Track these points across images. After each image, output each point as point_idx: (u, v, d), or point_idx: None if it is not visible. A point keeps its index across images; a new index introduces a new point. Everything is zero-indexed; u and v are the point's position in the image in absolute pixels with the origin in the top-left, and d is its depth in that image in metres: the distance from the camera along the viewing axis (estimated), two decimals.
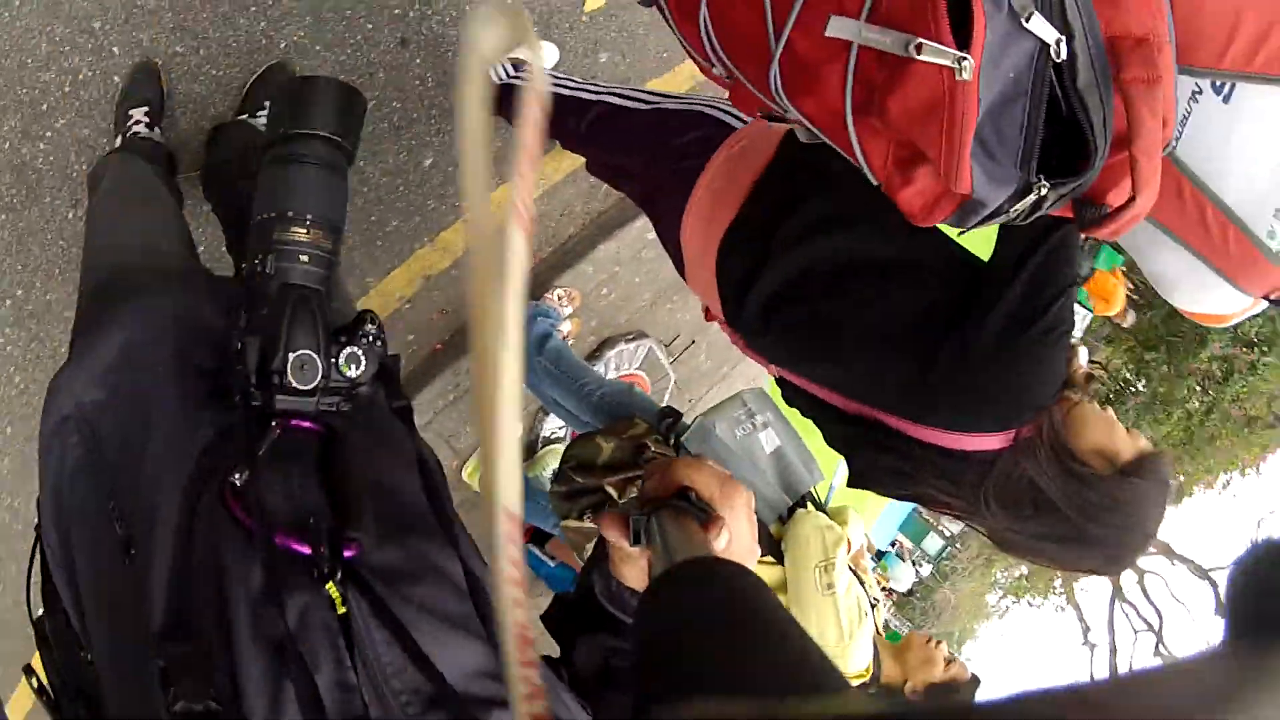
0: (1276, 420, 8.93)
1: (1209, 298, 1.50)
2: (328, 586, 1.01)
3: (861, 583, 2.51)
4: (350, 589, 1.02)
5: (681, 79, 3.83)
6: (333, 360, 1.29)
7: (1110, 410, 1.69)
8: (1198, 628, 16.84)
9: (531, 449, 4.09)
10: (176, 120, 2.34)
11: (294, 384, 1.23)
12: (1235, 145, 1.29)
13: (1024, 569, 22.02)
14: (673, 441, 2.83)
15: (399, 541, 1.13)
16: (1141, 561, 16.03)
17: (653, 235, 3.91)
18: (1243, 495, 13.67)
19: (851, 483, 1.89)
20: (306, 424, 1.24)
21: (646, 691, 0.76)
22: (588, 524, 2.68)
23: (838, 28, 1.11)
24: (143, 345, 1.27)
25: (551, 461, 3.99)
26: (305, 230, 1.42)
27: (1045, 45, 1.05)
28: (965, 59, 1.01)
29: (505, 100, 2.73)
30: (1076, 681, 0.34)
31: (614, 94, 2.37)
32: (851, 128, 1.18)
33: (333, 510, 1.11)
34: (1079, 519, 1.60)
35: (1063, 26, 1.05)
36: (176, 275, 1.56)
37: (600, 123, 2.34)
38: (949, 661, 2.47)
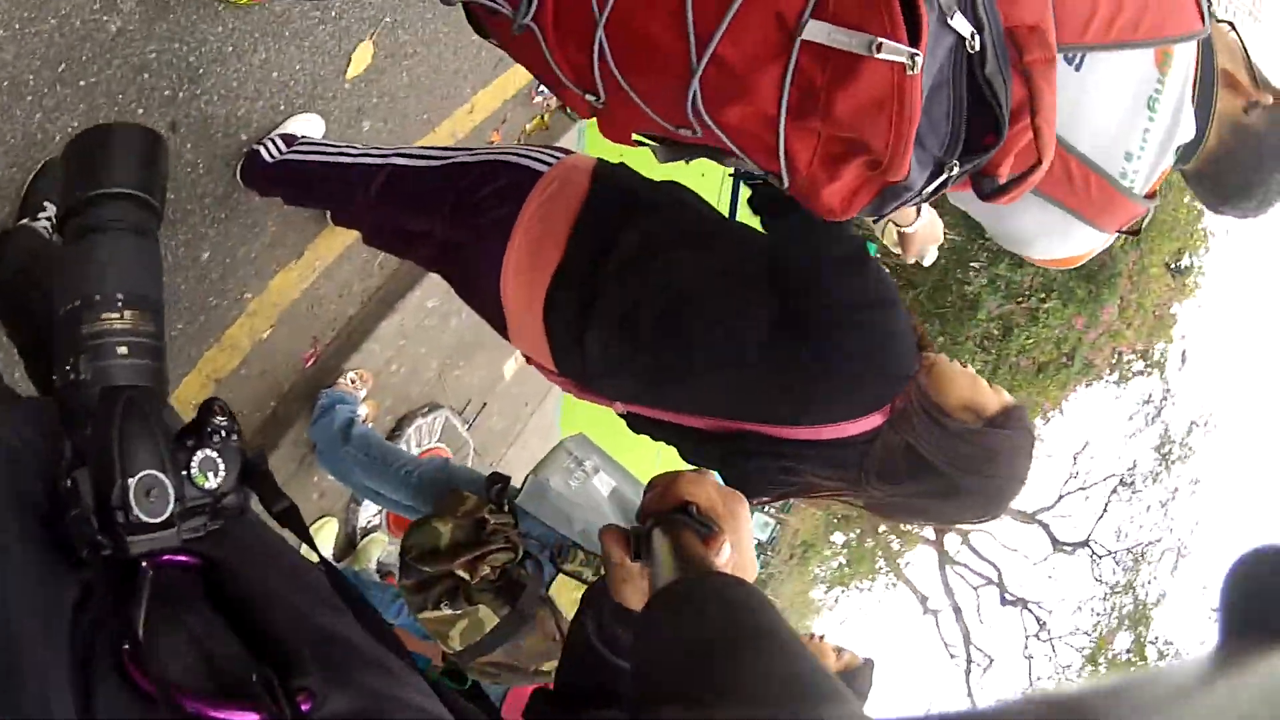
0: (1067, 360, 9.44)
1: (1069, 243, 1.69)
2: None
3: None
4: None
5: (442, 137, 3.78)
6: (184, 474, 1.02)
7: (970, 367, 1.78)
8: (1038, 568, 17.45)
9: (351, 541, 3.88)
10: None
11: (143, 517, 0.95)
12: (1085, 105, 1.48)
13: (841, 559, 22.50)
14: (506, 507, 2.74)
15: (345, 680, 0.90)
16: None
17: (432, 303, 3.90)
18: (1051, 438, 14.56)
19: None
20: (181, 557, 0.99)
21: (647, 706, 0.74)
22: (445, 611, 2.55)
23: (813, 31, 1.13)
24: None
25: (375, 551, 3.83)
26: (118, 314, 1.17)
27: (962, 39, 1.15)
28: (917, 55, 1.09)
29: (279, 179, 2.68)
30: (1059, 690, 0.37)
31: (400, 154, 2.28)
32: (783, 130, 1.21)
33: (257, 658, 0.89)
34: (954, 473, 1.67)
35: (975, 22, 1.16)
36: None
37: (391, 185, 2.23)
38: (838, 651, 2.47)
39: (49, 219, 2.15)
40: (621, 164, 2.05)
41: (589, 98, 1.45)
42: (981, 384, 1.73)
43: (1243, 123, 1.65)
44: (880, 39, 1.09)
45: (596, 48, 1.33)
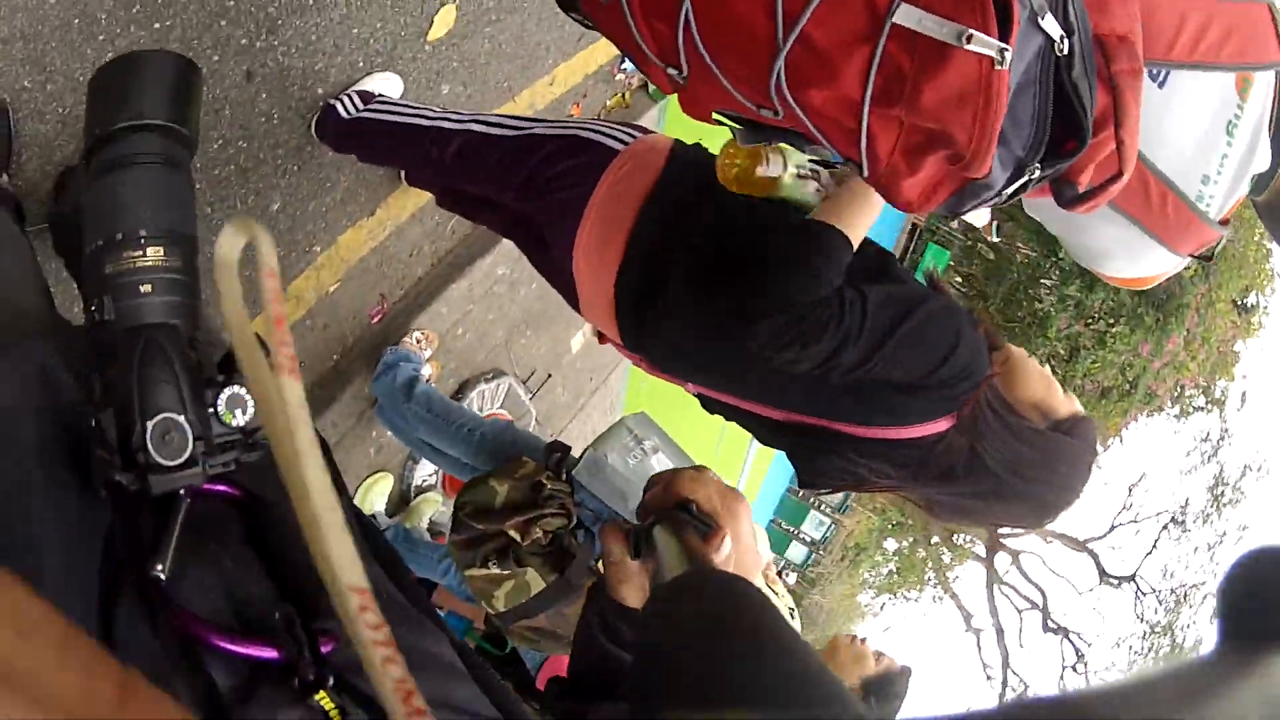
0: (1131, 387, 9.35)
1: (1142, 263, 1.65)
2: (318, 697, 0.76)
3: (775, 594, 2.47)
4: (344, 698, 0.77)
5: (521, 107, 3.77)
6: (211, 410, 0.99)
7: (1048, 368, 1.75)
8: (1083, 598, 17.28)
9: (405, 499, 3.91)
10: (23, 165, 2.11)
11: (160, 460, 0.92)
12: (1167, 123, 1.45)
13: (892, 566, 22.40)
14: (564, 477, 2.75)
15: None
16: (1015, 543, 16.50)
17: (502, 270, 3.90)
18: (1109, 466, 14.52)
19: (802, 484, 1.88)
20: (221, 487, 0.98)
21: (645, 702, 0.74)
22: (493, 570, 2.55)
23: (904, 15, 1.12)
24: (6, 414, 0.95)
25: (427, 510, 3.85)
26: (141, 252, 1.13)
27: (1052, 41, 1.15)
28: (1006, 49, 1.09)
29: (354, 136, 2.68)
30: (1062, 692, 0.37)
31: (477, 121, 2.26)
32: (866, 116, 1.20)
33: (285, 597, 0.86)
34: (1009, 476, 1.64)
35: (1065, 25, 1.16)
36: (46, 326, 1.23)
37: (466, 152, 2.22)
38: (878, 656, 2.44)
39: None
40: (698, 145, 2.01)
41: (671, 72, 1.45)
42: (1056, 387, 1.70)
43: None
44: (971, 30, 1.09)
45: (682, 20, 1.33)
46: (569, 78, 3.94)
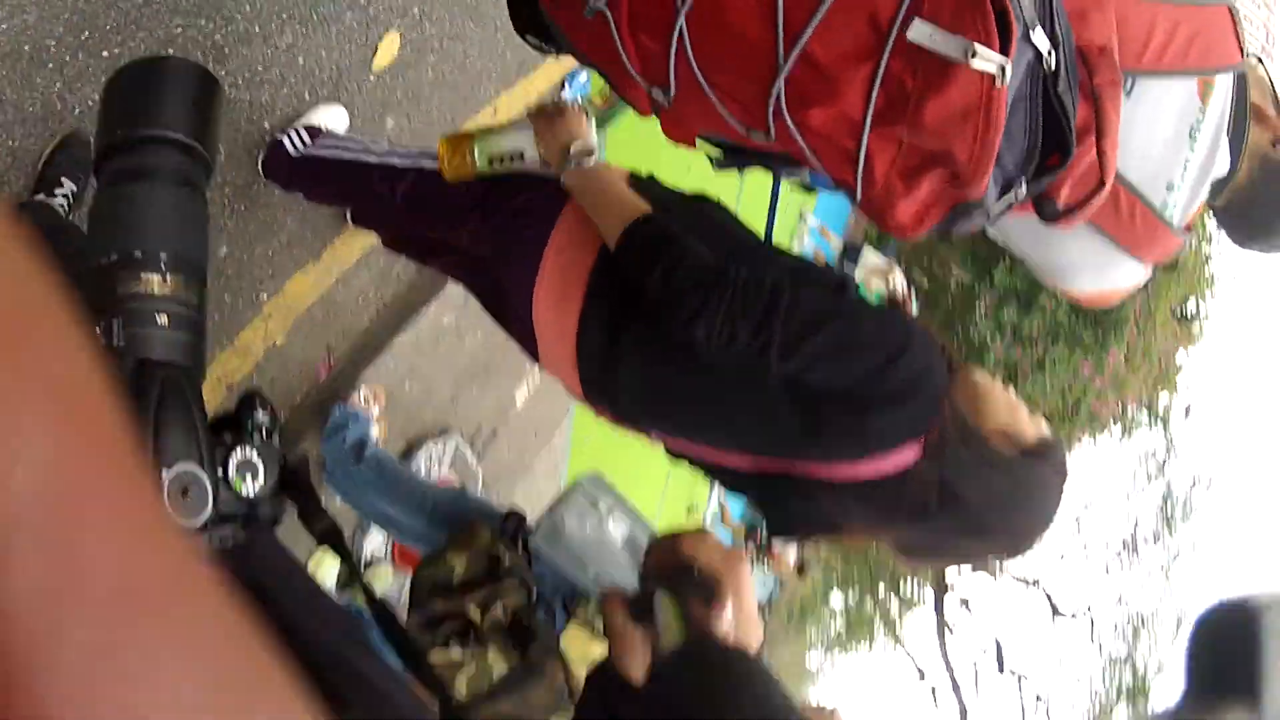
0: (1073, 411, 9.46)
1: (1110, 276, 1.67)
2: None
3: None
4: None
5: None
6: (220, 473, 0.89)
7: (1012, 389, 1.69)
8: (1038, 635, 17.20)
9: (354, 571, 3.68)
10: None
11: (177, 519, 0.81)
12: (1135, 132, 1.45)
13: (839, 625, 22.32)
14: (522, 546, 2.64)
15: (347, 706, 0.83)
16: (962, 586, 16.52)
17: (448, 319, 3.76)
18: None
19: (772, 533, 1.81)
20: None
21: None
22: (454, 654, 2.38)
23: (917, 31, 1.11)
24: None
25: (378, 584, 3.64)
26: (162, 277, 1.04)
27: (1040, 54, 1.15)
28: (1006, 65, 1.09)
29: (302, 174, 2.56)
30: None
31: (427, 157, 2.15)
32: (866, 136, 1.17)
33: None
34: (984, 508, 1.57)
35: (1052, 38, 1.16)
36: None
37: (416, 191, 2.12)
38: None
39: (65, 196, 2.03)
40: (651, 178, 1.93)
41: (656, 92, 1.40)
42: (1022, 410, 1.61)
43: (1271, 157, 1.63)
44: (975, 44, 1.08)
45: (676, 36, 1.29)
46: (511, 106, 3.86)
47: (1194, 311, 11.27)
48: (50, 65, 2.06)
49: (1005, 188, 1.23)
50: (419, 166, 2.15)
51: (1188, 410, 12.96)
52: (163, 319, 1.02)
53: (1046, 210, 1.30)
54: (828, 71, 1.18)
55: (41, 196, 2.04)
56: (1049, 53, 1.15)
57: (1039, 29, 1.13)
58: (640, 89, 1.45)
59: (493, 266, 1.96)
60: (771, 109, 1.25)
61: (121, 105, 1.24)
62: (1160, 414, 12.11)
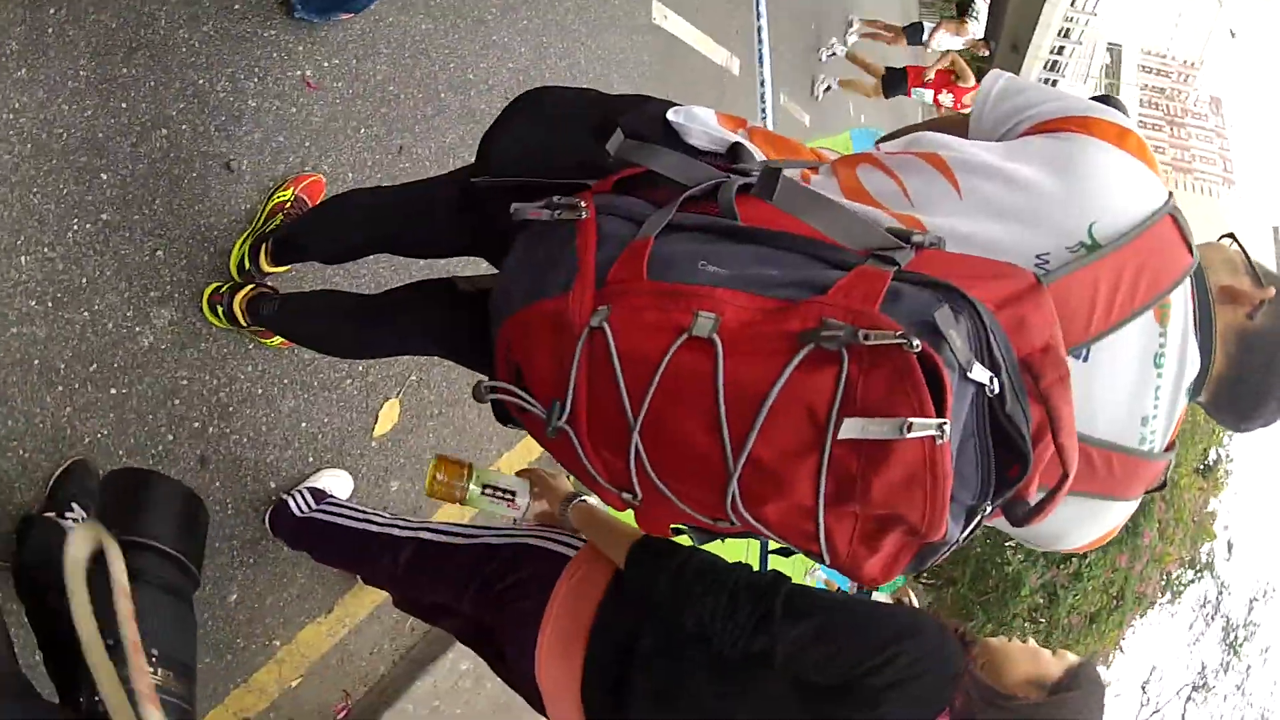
0: (1118, 600, 8.96)
1: (1101, 524, 1.61)
2: None
3: None
4: None
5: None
6: None
7: (1031, 640, 1.75)
8: None
9: None
10: None
11: None
12: (1097, 392, 1.43)
13: None
14: None
15: None
16: None
17: (466, 665, 3.80)
18: (1117, 678, 13.87)
19: None
20: None
21: None
22: None
23: (849, 429, 1.12)
24: None
25: None
26: (153, 669, 1.15)
27: (981, 386, 1.14)
28: (945, 423, 1.08)
29: (306, 536, 2.74)
30: None
31: (428, 529, 2.34)
32: (822, 519, 1.19)
33: None
34: None
35: (992, 364, 1.15)
36: (5, 686, 1.21)
37: (418, 561, 2.29)
38: None
39: (74, 520, 2.13)
40: (634, 551, 2.02)
41: (625, 495, 1.45)
42: (1042, 655, 1.70)
43: (1249, 329, 1.55)
44: (910, 419, 1.08)
45: (632, 452, 1.32)
46: (516, 465, 3.99)
47: (1215, 458, 11.04)
48: (60, 388, 2.27)
49: (970, 516, 1.23)
50: (419, 537, 2.31)
51: (1230, 547, 12.45)
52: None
53: (1017, 512, 1.26)
54: (775, 471, 1.19)
55: (52, 515, 2.13)
56: (990, 379, 1.14)
57: (976, 365, 1.13)
58: (611, 493, 1.49)
59: (494, 633, 2.08)
60: (729, 506, 1.25)
61: (114, 504, 1.39)
62: (1205, 564, 11.56)
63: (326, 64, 3.16)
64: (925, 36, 11.68)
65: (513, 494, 2.16)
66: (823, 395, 1.14)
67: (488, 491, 2.14)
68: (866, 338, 1.10)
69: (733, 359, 1.19)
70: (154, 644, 1.14)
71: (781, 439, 1.17)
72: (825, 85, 11.39)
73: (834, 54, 11.56)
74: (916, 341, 1.07)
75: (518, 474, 2.22)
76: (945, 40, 11.47)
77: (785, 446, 1.17)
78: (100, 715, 1.04)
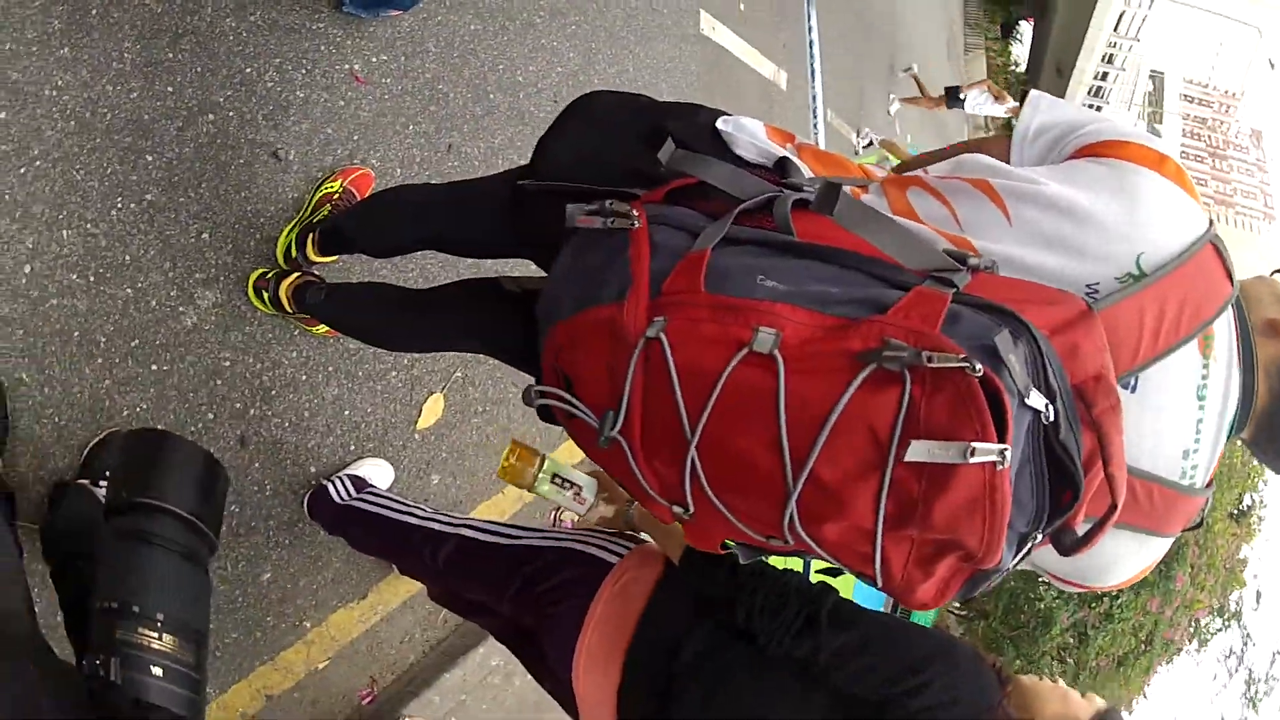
0: (1146, 645, 8.87)
1: (1144, 557, 1.58)
2: None
3: None
4: None
5: (509, 500, 3.91)
6: None
7: (1061, 681, 1.76)
8: None
9: None
10: (16, 460, 2.16)
11: None
12: (1145, 423, 1.42)
13: None
14: None
15: None
16: None
17: (496, 661, 3.82)
18: None
19: None
20: None
21: None
22: None
23: (915, 452, 1.13)
24: None
25: None
26: (157, 634, 1.15)
27: (1038, 412, 1.14)
28: (1007, 449, 1.09)
29: (345, 523, 2.77)
30: None
31: (470, 526, 2.34)
32: (880, 541, 1.19)
33: None
34: None
35: (1047, 392, 1.16)
36: (22, 646, 1.19)
37: (460, 558, 2.30)
38: None
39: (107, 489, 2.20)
40: (690, 548, 2.05)
41: (676, 509, 1.42)
42: (1073, 696, 1.71)
43: None
44: (973, 444, 1.09)
45: (688, 466, 1.31)
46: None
47: (1250, 504, 10.95)
48: (100, 360, 2.31)
49: (1021, 543, 1.22)
50: (461, 534, 2.31)
51: (1258, 597, 12.31)
52: (158, 670, 1.13)
53: (1066, 541, 1.25)
54: (836, 491, 1.19)
55: (87, 483, 2.17)
56: (1046, 406, 1.14)
57: (1033, 391, 1.13)
58: (661, 505, 1.47)
59: (534, 634, 2.08)
60: (786, 525, 1.25)
61: (129, 466, 1.38)
62: (1233, 612, 11.40)
63: (375, 59, 3.21)
64: (961, 95, 12.20)
65: (580, 490, 2.18)
66: (885, 416, 1.14)
67: (557, 481, 2.17)
68: (930, 360, 1.10)
69: (794, 376, 1.19)
70: (161, 608, 1.15)
71: (843, 459, 1.17)
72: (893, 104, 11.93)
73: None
74: (979, 365, 1.08)
75: (589, 474, 2.23)
76: (986, 106, 12.04)
77: (847, 466, 1.17)
78: (99, 679, 1.07)
